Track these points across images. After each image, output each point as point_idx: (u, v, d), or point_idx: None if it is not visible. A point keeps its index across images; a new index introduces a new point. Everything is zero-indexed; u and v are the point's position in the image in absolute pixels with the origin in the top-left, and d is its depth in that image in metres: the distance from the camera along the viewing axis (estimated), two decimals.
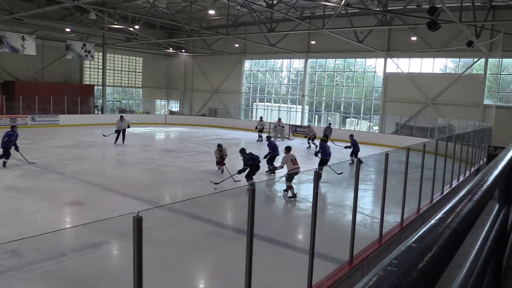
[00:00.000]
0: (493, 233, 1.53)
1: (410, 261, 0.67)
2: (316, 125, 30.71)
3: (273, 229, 8.18)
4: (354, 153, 16.92)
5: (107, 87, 34.24)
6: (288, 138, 26.33)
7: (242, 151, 12.30)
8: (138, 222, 2.91)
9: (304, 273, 5.06)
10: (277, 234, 7.97)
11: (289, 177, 11.01)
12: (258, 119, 27.00)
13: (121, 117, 19.78)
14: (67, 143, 19.53)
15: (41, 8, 20.10)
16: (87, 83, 32.95)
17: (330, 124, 24.84)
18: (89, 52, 30.66)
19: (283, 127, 26.06)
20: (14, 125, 14.55)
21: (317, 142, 22.48)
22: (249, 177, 11.65)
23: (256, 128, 25.22)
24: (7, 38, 25.91)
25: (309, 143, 22.35)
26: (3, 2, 21.09)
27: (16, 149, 13.61)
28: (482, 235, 1.49)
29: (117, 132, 19.31)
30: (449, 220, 0.84)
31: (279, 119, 27.02)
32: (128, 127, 19.39)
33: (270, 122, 27.18)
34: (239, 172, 11.68)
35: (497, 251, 1.55)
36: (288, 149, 11.94)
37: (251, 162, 11.67)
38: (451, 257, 0.76)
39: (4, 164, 13.24)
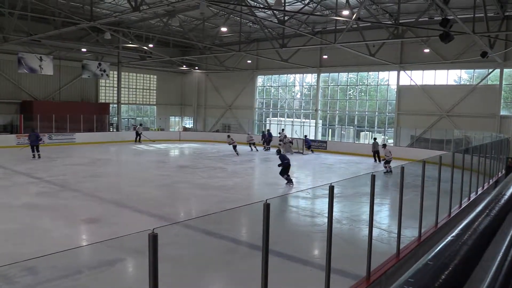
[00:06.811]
0: None
1: (426, 279, 0.66)
2: (330, 139, 30.63)
3: (289, 245, 8.10)
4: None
5: (122, 105, 34.76)
6: (302, 153, 26.33)
7: (278, 151, 16.09)
8: (153, 239, 2.92)
9: None
10: (293, 250, 7.89)
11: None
12: (248, 133, 28.62)
13: None
14: (83, 161, 19.79)
15: (58, 30, 20.61)
16: (103, 101, 33.52)
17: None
18: (104, 71, 31.25)
19: (291, 143, 26.96)
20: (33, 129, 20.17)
21: (260, 148, 27.50)
22: (283, 173, 14.92)
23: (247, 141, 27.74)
24: (26, 59, 26.63)
25: (251, 147, 27.40)
26: (21, 24, 21.74)
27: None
28: (503, 250, 1.45)
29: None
30: (466, 236, 0.83)
31: (291, 142, 27.07)
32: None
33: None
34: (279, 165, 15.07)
35: None
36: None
37: (286, 161, 15.06)
38: (469, 275, 0.75)
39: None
